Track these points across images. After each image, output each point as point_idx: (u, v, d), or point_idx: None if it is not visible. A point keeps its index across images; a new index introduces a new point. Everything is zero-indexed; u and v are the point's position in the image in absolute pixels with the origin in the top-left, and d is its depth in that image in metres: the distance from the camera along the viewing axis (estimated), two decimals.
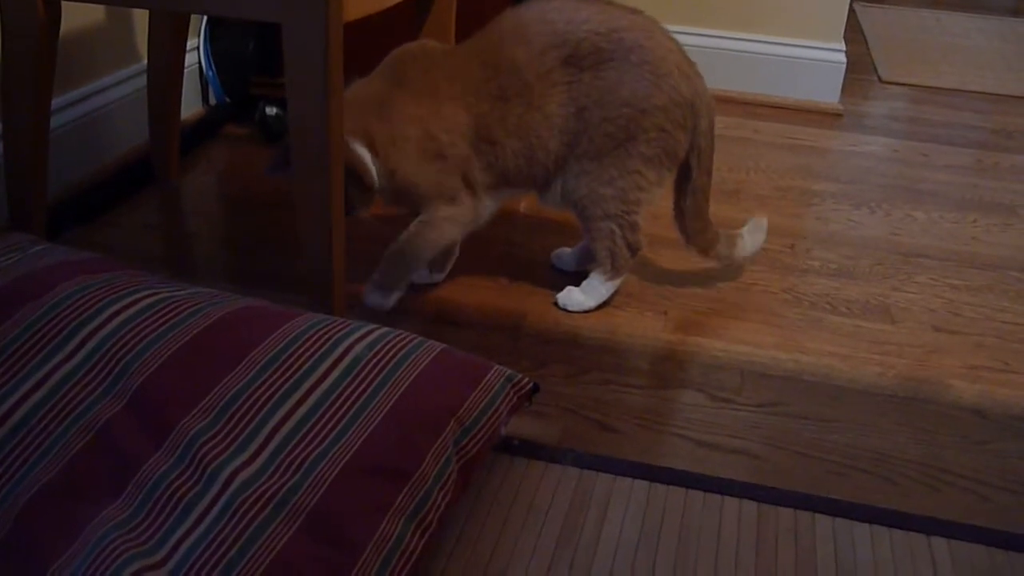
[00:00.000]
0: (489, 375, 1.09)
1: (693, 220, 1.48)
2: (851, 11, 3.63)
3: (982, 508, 1.12)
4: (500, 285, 1.53)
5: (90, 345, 0.98)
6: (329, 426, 0.94)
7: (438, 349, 1.08)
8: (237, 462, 0.89)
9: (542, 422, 1.21)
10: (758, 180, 2.01)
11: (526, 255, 1.63)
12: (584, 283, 1.48)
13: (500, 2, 1.86)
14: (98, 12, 1.79)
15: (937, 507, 1.11)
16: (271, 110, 2.02)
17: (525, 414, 1.21)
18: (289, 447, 0.91)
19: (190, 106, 2.08)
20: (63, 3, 1.34)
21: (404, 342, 1.07)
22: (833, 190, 1.99)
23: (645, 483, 1.11)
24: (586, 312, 1.47)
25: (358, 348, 1.03)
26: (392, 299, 1.41)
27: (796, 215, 1.86)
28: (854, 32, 3.36)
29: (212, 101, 2.15)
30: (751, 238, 1.56)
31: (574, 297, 1.47)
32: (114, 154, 1.86)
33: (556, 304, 1.47)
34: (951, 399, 1.32)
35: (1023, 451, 1.22)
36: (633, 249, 1.44)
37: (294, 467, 0.89)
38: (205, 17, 2.07)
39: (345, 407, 0.96)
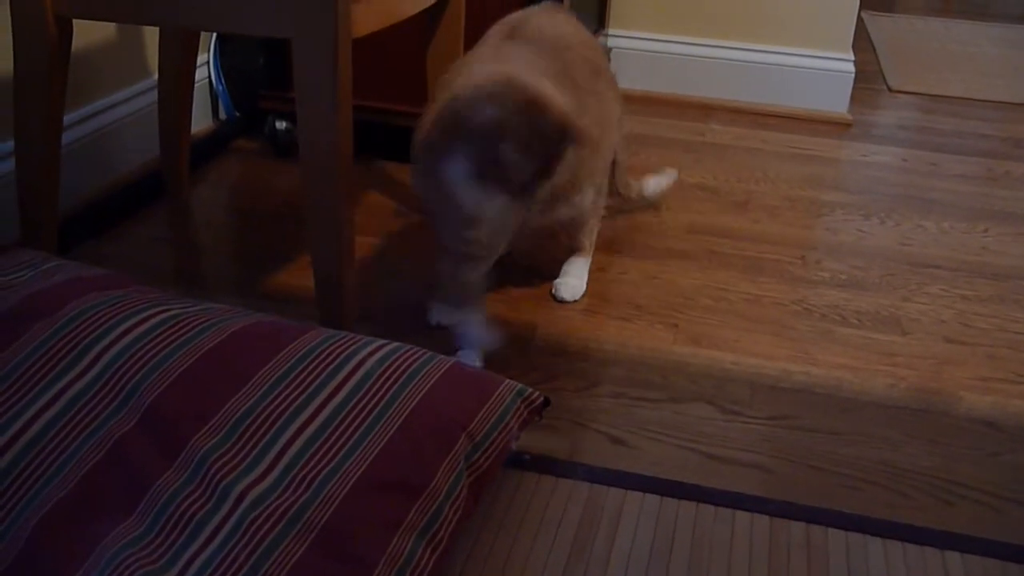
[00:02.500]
0: (500, 389, 1.09)
1: (621, 183, 1.69)
2: (859, 20, 3.63)
3: (996, 521, 1.11)
4: (509, 297, 1.53)
5: (102, 362, 0.99)
6: (340, 442, 0.94)
7: (448, 363, 1.08)
8: (249, 479, 0.89)
9: (553, 436, 1.21)
10: (767, 190, 2.01)
11: (534, 267, 1.63)
12: (571, 269, 1.56)
13: (505, 13, 1.86)
14: (109, 28, 1.80)
15: (950, 520, 1.11)
16: (281, 124, 2.03)
17: (536, 428, 1.21)
18: (300, 464, 0.91)
19: (200, 121, 2.09)
20: (74, 20, 1.35)
21: (414, 357, 1.07)
22: (842, 200, 1.99)
23: (656, 497, 1.11)
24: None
25: (369, 363, 1.03)
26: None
27: (806, 226, 1.86)
28: (862, 41, 3.36)
29: (222, 115, 2.16)
30: (655, 180, 1.83)
31: (572, 284, 1.54)
32: (125, 169, 1.87)
33: (556, 298, 1.52)
34: (963, 411, 1.31)
35: None
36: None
37: (305, 484, 0.89)
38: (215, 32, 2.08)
39: (356, 423, 0.96)
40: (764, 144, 2.30)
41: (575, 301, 1.53)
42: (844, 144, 2.34)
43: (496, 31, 1.42)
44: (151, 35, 1.91)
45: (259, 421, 0.95)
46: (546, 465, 1.15)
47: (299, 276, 1.56)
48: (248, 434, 0.93)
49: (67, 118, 1.67)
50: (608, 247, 1.70)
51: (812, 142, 2.33)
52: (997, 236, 1.87)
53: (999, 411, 1.32)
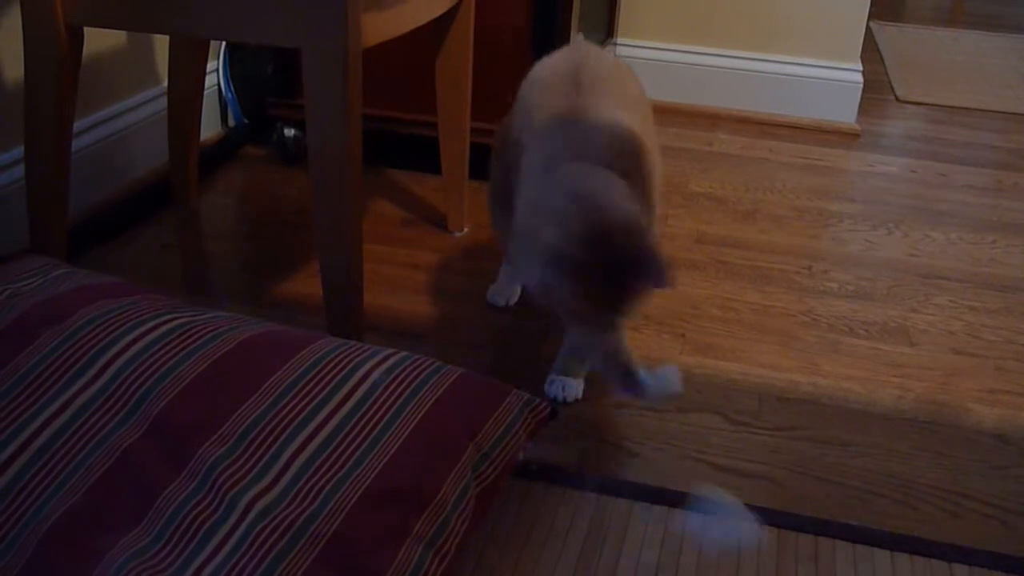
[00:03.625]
0: (507, 399, 1.09)
1: None
2: (868, 30, 3.63)
3: (1003, 534, 1.11)
4: (516, 308, 1.53)
5: (111, 371, 0.99)
6: (348, 453, 0.94)
7: (456, 374, 1.08)
8: (256, 489, 0.89)
9: (560, 446, 1.21)
10: (774, 200, 2.01)
11: None
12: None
13: (514, 24, 1.86)
14: (119, 36, 1.80)
15: (958, 533, 1.10)
16: (289, 132, 2.03)
17: (543, 438, 1.21)
18: (308, 474, 0.91)
19: (209, 127, 2.10)
20: (85, 28, 1.36)
21: (422, 367, 1.07)
22: (850, 210, 1.99)
23: (664, 508, 1.10)
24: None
25: (376, 374, 1.03)
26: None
27: (813, 236, 1.86)
28: (871, 51, 3.36)
29: (231, 123, 2.17)
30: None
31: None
32: (134, 175, 1.87)
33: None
34: (971, 423, 1.31)
35: None
36: None
37: (313, 494, 0.89)
38: None
39: (364, 434, 0.96)
40: (772, 154, 2.30)
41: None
42: (852, 154, 2.34)
43: (561, 90, 1.24)
44: (161, 43, 1.91)
45: (267, 431, 0.95)
46: (553, 475, 1.15)
47: (307, 284, 1.56)
48: (256, 443, 0.93)
49: (77, 125, 1.68)
50: None
51: (820, 152, 2.33)
52: (1005, 248, 1.86)
53: (1007, 424, 1.31)
